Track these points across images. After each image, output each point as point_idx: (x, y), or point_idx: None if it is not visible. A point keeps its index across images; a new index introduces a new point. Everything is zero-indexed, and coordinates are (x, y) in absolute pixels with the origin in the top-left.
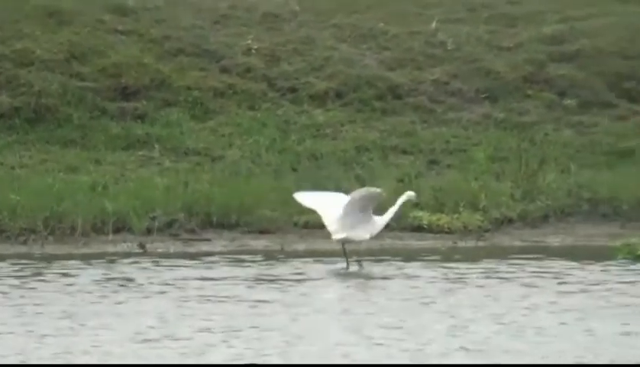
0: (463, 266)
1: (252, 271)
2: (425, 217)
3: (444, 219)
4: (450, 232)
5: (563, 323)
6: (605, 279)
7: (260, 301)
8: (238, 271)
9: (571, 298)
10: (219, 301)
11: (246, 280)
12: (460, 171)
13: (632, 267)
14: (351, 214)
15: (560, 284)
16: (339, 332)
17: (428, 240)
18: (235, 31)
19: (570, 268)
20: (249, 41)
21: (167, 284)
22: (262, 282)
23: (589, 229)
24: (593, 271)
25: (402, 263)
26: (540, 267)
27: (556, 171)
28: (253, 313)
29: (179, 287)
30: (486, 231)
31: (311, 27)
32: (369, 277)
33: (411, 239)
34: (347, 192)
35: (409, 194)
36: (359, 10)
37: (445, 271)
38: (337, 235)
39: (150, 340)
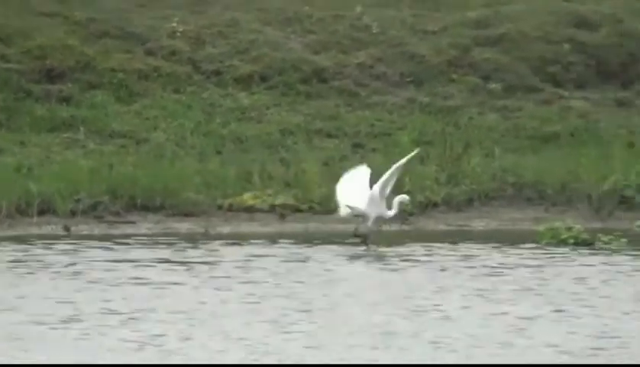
0: (382, 250)
1: (168, 253)
2: None
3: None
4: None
5: (465, 307)
6: (519, 263)
7: (170, 283)
8: (155, 254)
9: (481, 281)
10: (129, 284)
11: (160, 262)
12: (385, 155)
13: (551, 250)
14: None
15: (470, 267)
16: (241, 315)
17: (353, 224)
18: (160, 14)
19: (487, 252)
20: (174, 24)
21: (82, 266)
22: (176, 264)
23: (514, 213)
24: (509, 255)
25: (317, 247)
26: (456, 250)
27: (480, 155)
28: (160, 295)
29: (93, 269)
30: (411, 215)
31: (237, 10)
32: (285, 260)
33: (335, 223)
34: (271, 175)
35: (403, 197)
36: None
37: (363, 254)
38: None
39: (53, 322)
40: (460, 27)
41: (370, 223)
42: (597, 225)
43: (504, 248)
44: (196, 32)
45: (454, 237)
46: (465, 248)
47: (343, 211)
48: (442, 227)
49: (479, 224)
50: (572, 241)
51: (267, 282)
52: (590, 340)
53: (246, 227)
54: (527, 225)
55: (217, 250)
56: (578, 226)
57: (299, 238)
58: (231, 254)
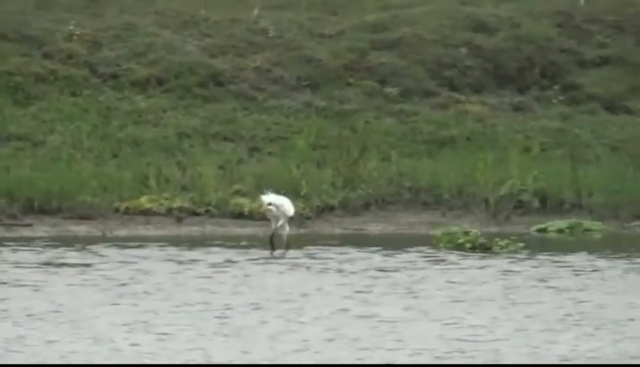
0: (266, 253)
1: (50, 256)
2: (246, 204)
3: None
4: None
5: (342, 309)
6: (403, 266)
7: (40, 283)
8: (35, 256)
9: (360, 284)
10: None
11: (36, 264)
12: (282, 159)
13: (438, 255)
14: None
15: (340, 271)
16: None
17: (249, 227)
18: (57, 17)
19: (375, 255)
20: (71, 27)
21: None
22: (50, 267)
23: (410, 217)
24: (397, 258)
25: (201, 249)
26: (344, 253)
27: (377, 159)
28: (28, 296)
29: None
30: (308, 218)
31: (134, 14)
32: (162, 260)
33: (232, 226)
34: (167, 178)
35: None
36: None
37: (244, 258)
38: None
39: None
40: (357, 30)
41: (279, 225)
42: (494, 229)
43: (394, 252)
44: (93, 35)
45: (350, 241)
46: (356, 251)
47: (265, 208)
48: (339, 231)
49: (375, 228)
50: (469, 245)
51: (139, 283)
52: (439, 341)
53: (143, 230)
54: (424, 230)
55: (98, 253)
56: (475, 231)
57: (194, 241)
58: (112, 256)
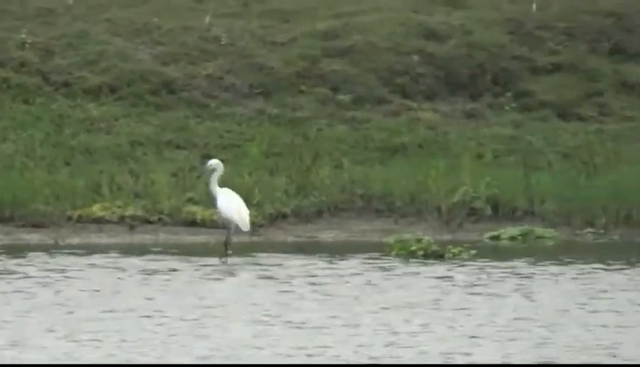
0: (211, 261)
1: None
2: (199, 212)
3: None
4: (223, 227)
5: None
6: (342, 273)
7: None
8: None
9: (292, 292)
10: None
11: None
12: (235, 166)
13: (384, 261)
14: None
15: (275, 278)
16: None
17: (202, 235)
18: (9, 25)
19: (316, 262)
20: (23, 35)
21: None
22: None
23: (363, 225)
24: (337, 265)
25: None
26: (286, 261)
27: (329, 167)
28: None
29: None
30: (260, 226)
31: (86, 21)
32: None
33: (185, 234)
34: (120, 186)
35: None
36: (133, 4)
37: (191, 265)
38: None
39: None
40: (308, 38)
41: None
42: (447, 236)
43: (340, 259)
44: (45, 43)
45: (302, 248)
46: (301, 259)
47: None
48: (291, 238)
49: (328, 235)
50: (422, 253)
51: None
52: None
53: (95, 238)
54: (376, 237)
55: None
56: (428, 238)
57: (146, 249)
58: (42, 264)
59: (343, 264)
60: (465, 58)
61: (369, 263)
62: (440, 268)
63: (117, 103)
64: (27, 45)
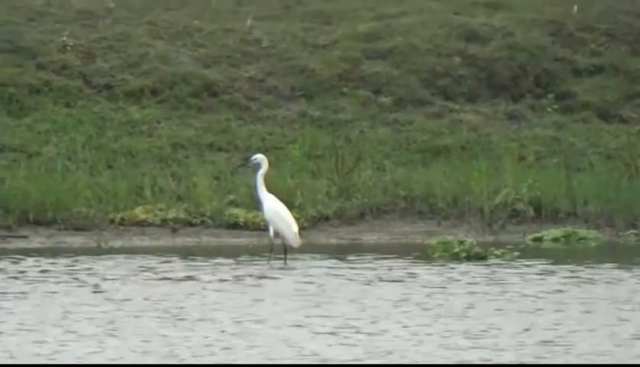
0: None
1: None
2: (240, 214)
3: (260, 216)
4: (266, 229)
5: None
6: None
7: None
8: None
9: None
10: None
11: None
12: (276, 169)
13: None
14: None
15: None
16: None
17: (244, 237)
18: (50, 28)
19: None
20: (64, 38)
21: None
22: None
23: (405, 227)
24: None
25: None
26: (326, 263)
27: (372, 169)
28: None
29: None
30: (303, 228)
31: (127, 24)
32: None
33: (227, 236)
34: (162, 189)
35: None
36: (173, 7)
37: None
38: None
39: None
40: (350, 40)
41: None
42: (489, 238)
43: (383, 260)
44: (87, 46)
45: (345, 250)
46: (345, 261)
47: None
48: (334, 241)
49: (370, 237)
50: (464, 254)
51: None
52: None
53: (137, 241)
54: (419, 239)
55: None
56: (470, 240)
57: (189, 252)
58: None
59: (389, 263)
60: (506, 60)
61: (411, 265)
62: (480, 270)
63: (158, 106)
64: (68, 48)
